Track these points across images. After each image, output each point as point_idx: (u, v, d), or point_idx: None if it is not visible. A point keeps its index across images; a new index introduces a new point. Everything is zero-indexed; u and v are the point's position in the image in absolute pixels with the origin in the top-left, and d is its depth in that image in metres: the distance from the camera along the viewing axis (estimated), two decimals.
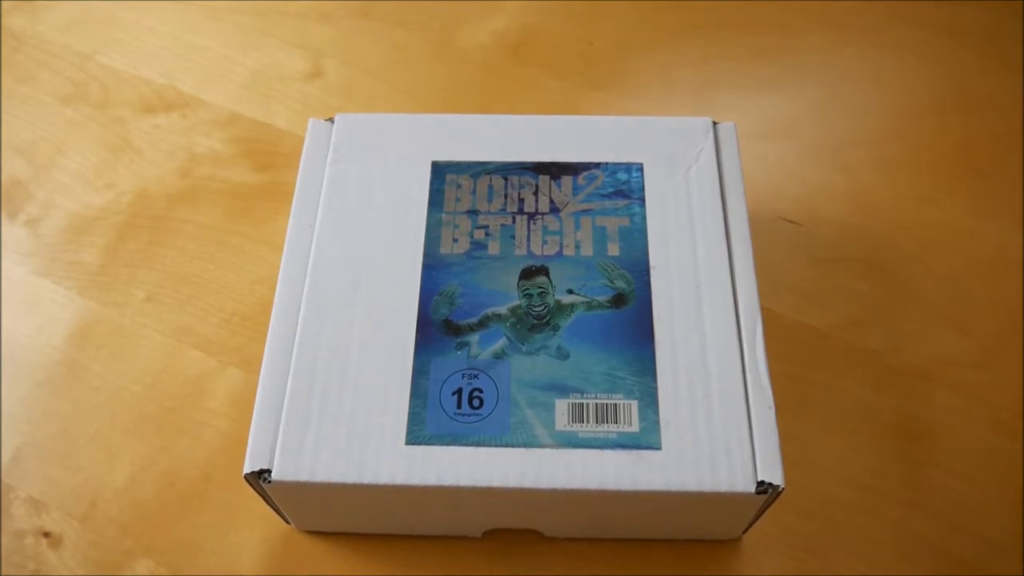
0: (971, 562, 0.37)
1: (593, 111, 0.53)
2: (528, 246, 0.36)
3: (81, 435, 0.41)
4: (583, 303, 0.34)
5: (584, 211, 0.37)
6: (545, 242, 0.36)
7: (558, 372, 0.33)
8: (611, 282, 0.35)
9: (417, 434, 0.31)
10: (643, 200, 0.37)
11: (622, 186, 0.38)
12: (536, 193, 0.38)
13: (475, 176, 0.38)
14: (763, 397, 0.32)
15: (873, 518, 0.38)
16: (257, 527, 0.38)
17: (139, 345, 0.44)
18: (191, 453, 0.40)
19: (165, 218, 0.49)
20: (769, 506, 0.32)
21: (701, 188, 0.37)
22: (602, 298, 0.34)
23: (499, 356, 0.33)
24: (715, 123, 0.39)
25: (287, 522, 0.38)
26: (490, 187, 0.38)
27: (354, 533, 0.38)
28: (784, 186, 0.49)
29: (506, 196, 0.38)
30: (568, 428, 0.31)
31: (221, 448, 0.41)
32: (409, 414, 0.32)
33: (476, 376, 0.33)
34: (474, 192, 0.38)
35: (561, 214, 0.37)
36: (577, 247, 0.36)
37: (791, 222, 0.48)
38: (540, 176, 0.38)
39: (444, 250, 0.36)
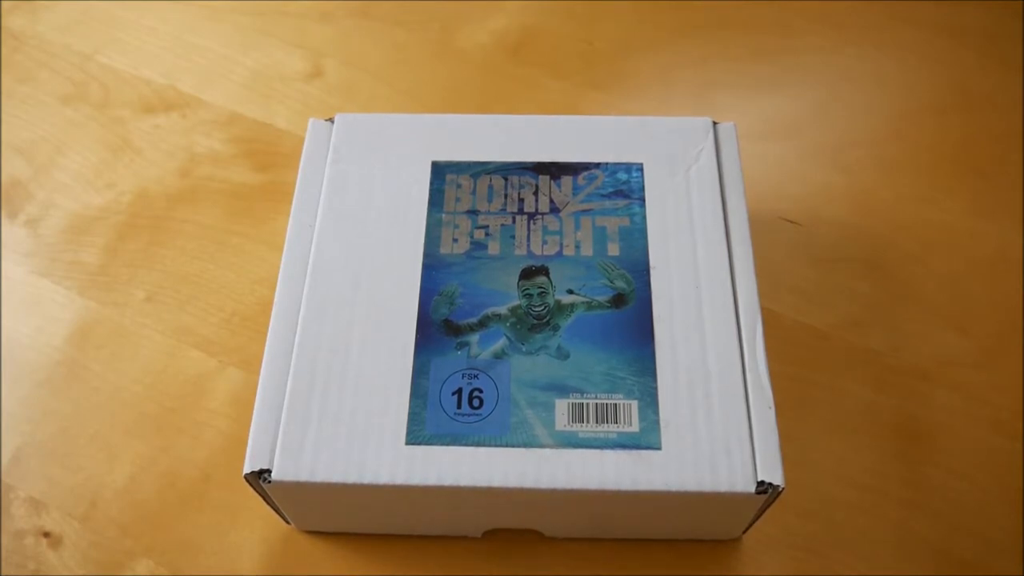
0: (971, 562, 0.37)
1: (593, 111, 0.53)
2: (528, 246, 0.36)
3: (81, 435, 0.41)
4: (583, 303, 0.34)
5: (584, 211, 0.37)
6: (545, 242, 0.36)
7: (558, 372, 0.33)
8: (611, 282, 0.35)
9: (417, 434, 0.31)
10: (643, 200, 0.37)
11: (622, 186, 0.38)
12: (536, 193, 0.38)
13: (475, 176, 0.38)
14: (763, 397, 0.32)
15: (873, 518, 0.38)
16: (257, 527, 0.38)
17: (139, 345, 0.44)
18: (191, 453, 0.40)
19: (165, 218, 0.49)
20: (769, 506, 0.32)
21: (701, 188, 0.37)
22: (602, 298, 0.34)
23: (499, 356, 0.33)
24: (715, 123, 0.39)
25: (287, 522, 0.38)
26: (490, 187, 0.38)
27: (354, 533, 0.38)
28: (784, 186, 0.49)
29: (506, 196, 0.38)
30: (568, 428, 0.31)
31: (221, 448, 0.41)
32: (409, 414, 0.32)
33: (476, 376, 0.33)
34: (474, 192, 0.38)
35: (561, 214, 0.37)
36: (577, 247, 0.36)
37: (791, 222, 0.48)
38: (540, 176, 0.38)
39: (444, 250, 0.36)
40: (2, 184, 0.50)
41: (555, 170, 0.38)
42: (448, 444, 0.31)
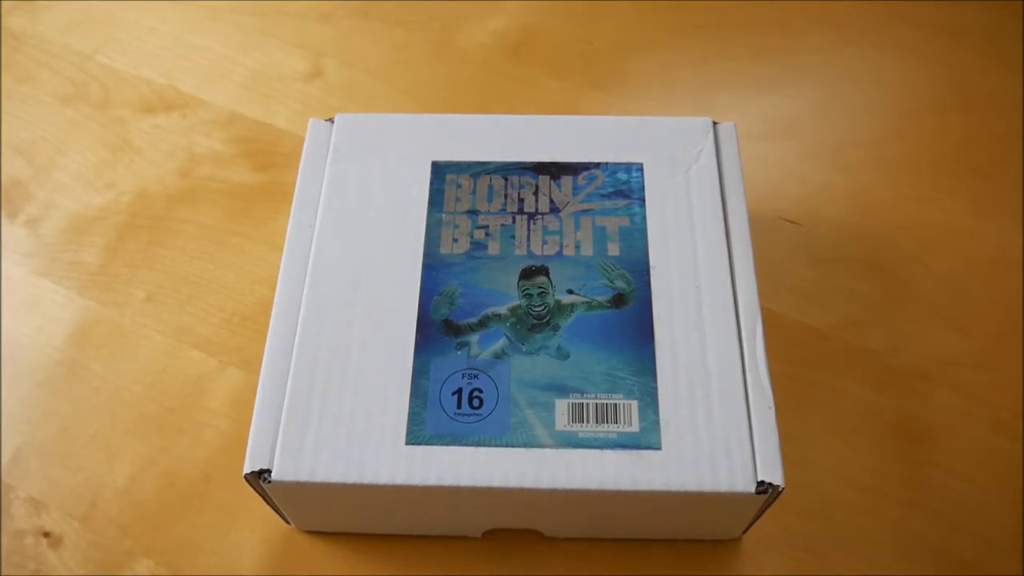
0: (971, 562, 0.37)
1: (593, 111, 0.53)
2: (528, 246, 0.36)
3: (81, 435, 0.41)
4: (583, 303, 0.34)
5: (584, 211, 0.37)
6: (545, 242, 0.36)
7: (558, 372, 0.33)
8: (611, 282, 0.35)
9: (417, 434, 0.31)
10: (643, 200, 0.37)
11: (622, 186, 0.38)
12: (536, 193, 0.38)
13: (475, 176, 0.38)
14: (763, 397, 0.32)
15: (873, 518, 0.38)
16: (257, 527, 0.38)
17: (139, 345, 0.44)
18: (191, 453, 0.40)
19: (165, 218, 0.49)
20: (769, 506, 0.32)
21: (701, 188, 0.37)
22: (602, 298, 0.34)
23: (499, 356, 0.33)
24: (715, 123, 0.39)
25: (287, 522, 0.38)
26: (490, 187, 0.38)
27: (354, 533, 0.38)
28: (784, 186, 0.49)
29: (506, 196, 0.38)
30: (568, 428, 0.31)
31: (221, 448, 0.41)
32: (409, 414, 0.32)
33: (476, 376, 0.33)
34: (474, 192, 0.38)
35: (561, 214, 0.37)
36: (577, 247, 0.36)
37: (791, 222, 0.48)
38: (540, 176, 0.38)
39: (444, 250, 0.36)
40: (2, 184, 0.50)
41: (555, 170, 0.38)
42: (448, 444, 0.31)
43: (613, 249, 0.36)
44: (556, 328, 0.34)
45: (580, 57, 0.56)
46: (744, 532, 0.37)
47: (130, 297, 0.46)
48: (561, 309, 0.34)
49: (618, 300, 0.34)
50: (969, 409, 0.41)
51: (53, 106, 0.54)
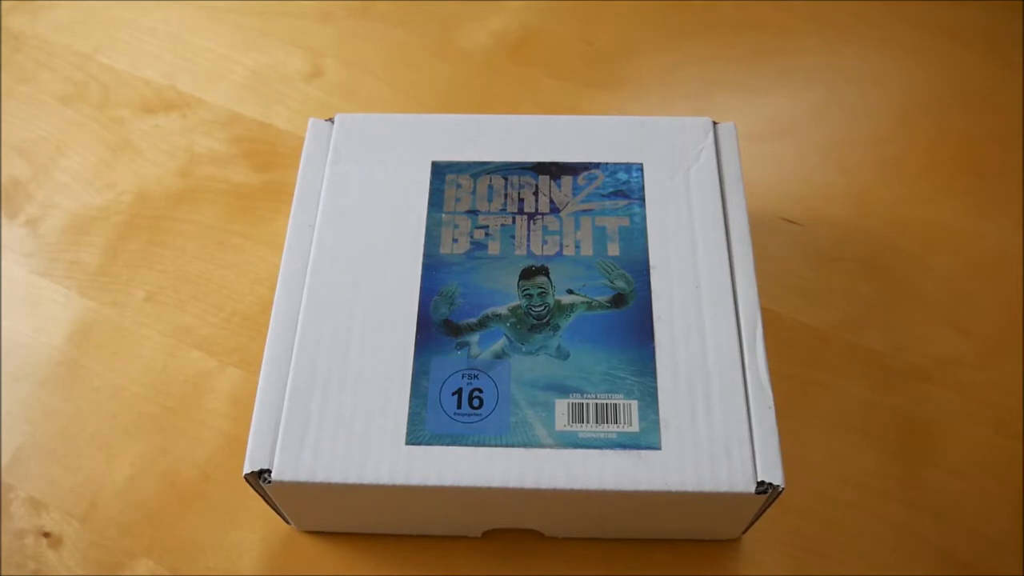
0: (971, 562, 0.37)
1: (593, 111, 0.53)
2: (528, 246, 0.36)
3: (81, 435, 0.41)
4: (583, 303, 0.34)
5: (584, 211, 0.37)
6: (545, 242, 0.36)
7: (558, 372, 0.33)
8: (611, 282, 0.35)
9: (417, 434, 0.31)
10: (643, 200, 0.37)
11: (622, 186, 0.38)
12: (536, 193, 0.38)
13: (475, 176, 0.38)
14: (763, 397, 0.32)
15: (873, 518, 0.38)
16: (257, 527, 0.38)
17: (139, 345, 0.44)
18: (191, 453, 0.40)
19: (165, 218, 0.49)
20: (769, 506, 0.32)
21: (701, 188, 0.37)
22: (602, 298, 0.34)
23: (499, 356, 0.33)
24: (715, 123, 0.39)
25: (287, 522, 0.38)
26: (490, 187, 0.38)
27: (354, 533, 0.38)
28: (784, 186, 0.49)
29: (506, 196, 0.38)
30: (568, 428, 0.31)
31: (221, 448, 0.41)
32: (409, 414, 0.32)
33: (476, 376, 0.33)
34: (474, 192, 0.38)
35: (561, 214, 0.37)
36: (577, 247, 0.36)
37: (791, 222, 0.48)
38: (540, 176, 0.38)
39: (444, 250, 0.36)
40: (2, 184, 0.50)
41: (555, 170, 0.38)
42: (448, 444, 0.31)
43: (613, 249, 0.36)
44: (556, 328, 0.34)
45: (580, 57, 0.56)
46: (744, 532, 0.37)
47: (130, 297, 0.46)
48: (561, 309, 0.34)
49: (618, 300, 0.34)
50: (969, 409, 0.41)
51: (53, 106, 0.54)
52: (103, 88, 0.55)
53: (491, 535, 0.37)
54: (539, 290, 0.35)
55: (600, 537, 0.37)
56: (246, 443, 0.32)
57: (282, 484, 0.31)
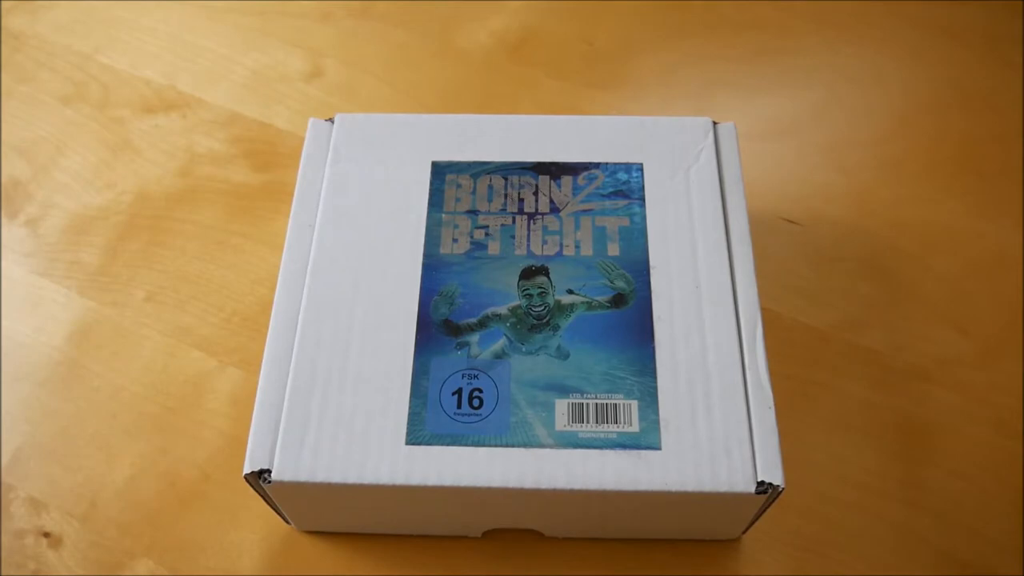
0: (971, 562, 0.37)
1: (593, 111, 0.53)
2: (528, 246, 0.36)
3: (81, 435, 0.41)
4: (583, 303, 0.34)
5: (584, 211, 0.37)
6: (545, 242, 0.36)
7: (558, 372, 0.33)
8: (611, 282, 0.35)
9: (417, 434, 0.31)
10: (643, 200, 0.37)
11: (622, 186, 0.38)
12: (536, 193, 0.38)
13: (475, 176, 0.38)
14: (763, 397, 0.32)
15: (873, 518, 0.38)
16: (257, 527, 0.38)
17: (139, 345, 0.44)
18: (191, 453, 0.40)
19: (165, 218, 0.49)
20: (769, 506, 0.32)
21: (701, 188, 0.37)
22: (602, 298, 0.34)
23: (499, 356, 0.33)
24: (715, 123, 0.39)
25: (287, 522, 0.38)
26: (490, 187, 0.38)
27: (354, 533, 0.38)
28: (784, 186, 0.49)
29: (506, 196, 0.38)
30: (568, 428, 0.31)
31: (221, 448, 0.41)
32: (409, 414, 0.32)
33: (476, 376, 0.33)
34: (474, 192, 0.38)
35: (561, 214, 0.37)
36: (577, 247, 0.36)
37: (791, 222, 0.48)
38: (540, 176, 0.38)
39: (444, 250, 0.36)
40: (2, 184, 0.50)
41: (555, 170, 0.38)
42: (448, 444, 0.31)
43: (613, 249, 0.36)
44: (556, 328, 0.34)
45: (580, 57, 0.56)
46: (744, 532, 0.37)
47: (130, 297, 0.46)
48: (561, 309, 0.34)
49: (618, 300, 0.34)
50: (969, 409, 0.41)
51: (53, 106, 0.54)
52: (103, 88, 0.55)
53: (491, 535, 0.37)
54: (539, 290, 0.35)
55: (600, 537, 0.37)
56: (246, 443, 0.32)
57: (282, 484, 0.31)
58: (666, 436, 0.31)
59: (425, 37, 0.57)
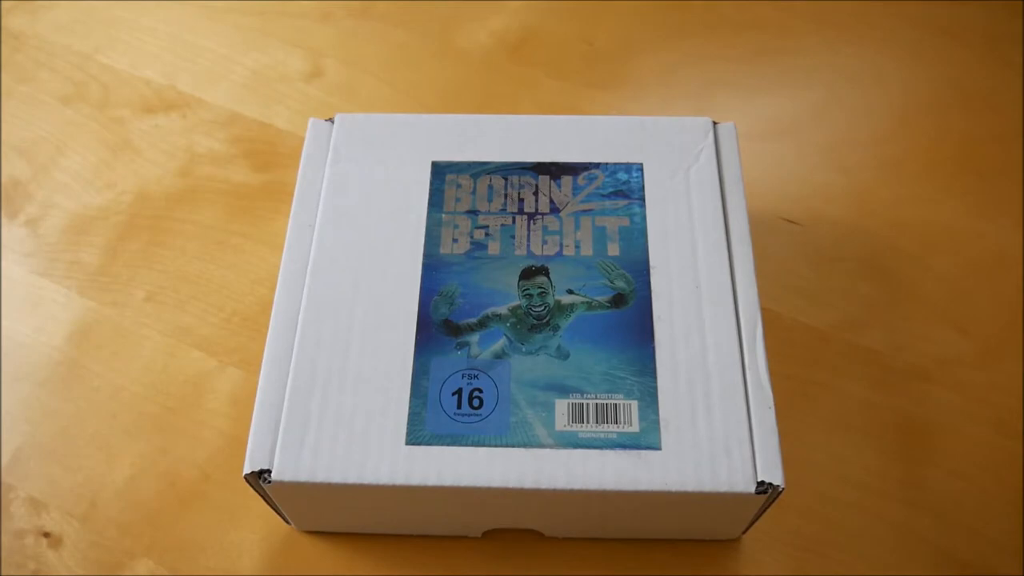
0: (971, 562, 0.37)
1: (593, 111, 0.53)
2: (528, 246, 0.36)
3: (81, 435, 0.41)
4: (583, 303, 0.34)
5: (584, 211, 0.37)
6: (545, 242, 0.36)
7: (558, 372, 0.33)
8: (611, 282, 0.35)
9: (417, 434, 0.31)
10: (643, 200, 0.37)
11: (622, 186, 0.38)
12: (536, 193, 0.38)
13: (475, 176, 0.38)
14: (763, 397, 0.32)
15: (873, 518, 0.38)
16: (257, 527, 0.38)
17: (139, 345, 0.44)
18: (191, 453, 0.40)
19: (165, 218, 0.49)
20: (769, 506, 0.32)
21: (701, 188, 0.37)
22: (602, 298, 0.35)
23: (499, 356, 0.33)
24: (715, 123, 0.39)
25: (287, 522, 0.38)
26: (490, 187, 0.38)
27: (354, 533, 0.38)
28: (784, 186, 0.49)
29: (506, 196, 0.38)
30: (568, 428, 0.31)
31: (221, 448, 0.41)
32: (409, 414, 0.32)
33: (476, 376, 0.33)
34: (474, 192, 0.38)
35: (561, 214, 0.37)
36: (577, 247, 0.36)
37: (791, 222, 0.48)
38: (540, 176, 0.38)
39: (444, 250, 0.36)
40: (2, 184, 0.50)
41: (555, 170, 0.38)
42: (448, 444, 0.31)
43: (613, 249, 0.36)
44: (556, 328, 0.34)
45: (580, 57, 0.56)
46: (744, 532, 0.37)
47: (130, 297, 0.46)
48: (561, 309, 0.34)
49: (618, 300, 0.34)
50: (969, 409, 0.41)
51: (53, 106, 0.54)
52: (103, 88, 0.55)
53: (491, 535, 0.37)
54: (539, 290, 0.35)
55: (600, 537, 0.37)
56: (246, 443, 0.32)
57: (282, 484, 0.31)
58: (666, 436, 0.31)
59: (425, 37, 0.57)
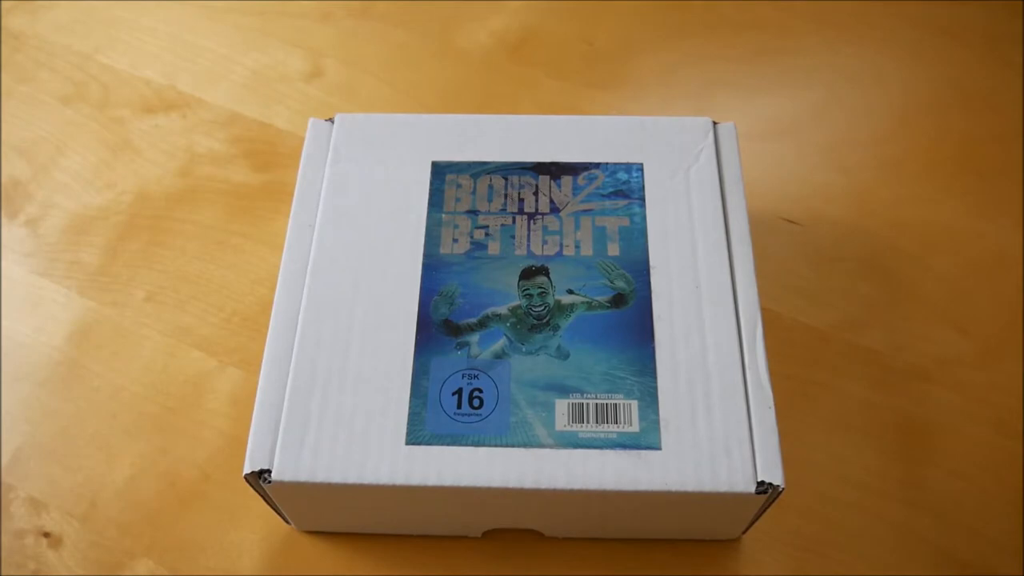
0: (971, 562, 0.37)
1: (593, 111, 0.53)
2: (528, 246, 0.36)
3: (81, 435, 0.41)
4: (583, 303, 0.34)
5: (584, 211, 0.37)
6: (545, 242, 0.36)
7: (558, 372, 0.33)
8: (611, 282, 0.35)
9: (417, 434, 0.31)
10: (643, 200, 0.37)
11: (622, 186, 0.38)
12: (536, 193, 0.38)
13: (475, 176, 0.38)
14: (763, 397, 0.32)
15: (873, 518, 0.38)
16: (257, 527, 0.38)
17: (139, 345, 0.44)
18: (191, 453, 0.40)
19: (165, 218, 0.49)
20: (769, 506, 0.32)
21: (701, 188, 0.37)
22: (602, 298, 0.35)
23: (499, 356, 0.33)
24: (715, 123, 0.39)
25: (287, 522, 0.38)
26: (490, 187, 0.38)
27: (354, 533, 0.38)
28: (784, 186, 0.49)
29: (506, 196, 0.38)
30: (568, 428, 0.31)
31: (221, 448, 0.41)
32: (409, 414, 0.32)
33: (476, 376, 0.33)
34: (474, 192, 0.38)
35: (561, 214, 0.37)
36: (577, 247, 0.36)
37: (791, 222, 0.48)
38: (540, 176, 0.38)
39: (444, 250, 0.36)
40: (2, 184, 0.50)
41: (555, 170, 0.38)
42: (448, 444, 0.31)
43: (613, 249, 0.36)
44: (556, 328, 0.34)
45: (580, 57, 0.56)
46: (744, 532, 0.37)
47: (130, 297, 0.46)
48: (561, 309, 0.34)
49: (618, 300, 0.34)
50: (969, 409, 0.41)
51: (53, 106, 0.54)
52: (103, 88, 0.55)
53: (491, 535, 0.37)
54: (539, 290, 0.35)
55: (600, 537, 0.37)
56: (246, 443, 0.32)
57: (282, 484, 0.31)
58: (666, 436, 0.31)
59: (425, 37, 0.57)
